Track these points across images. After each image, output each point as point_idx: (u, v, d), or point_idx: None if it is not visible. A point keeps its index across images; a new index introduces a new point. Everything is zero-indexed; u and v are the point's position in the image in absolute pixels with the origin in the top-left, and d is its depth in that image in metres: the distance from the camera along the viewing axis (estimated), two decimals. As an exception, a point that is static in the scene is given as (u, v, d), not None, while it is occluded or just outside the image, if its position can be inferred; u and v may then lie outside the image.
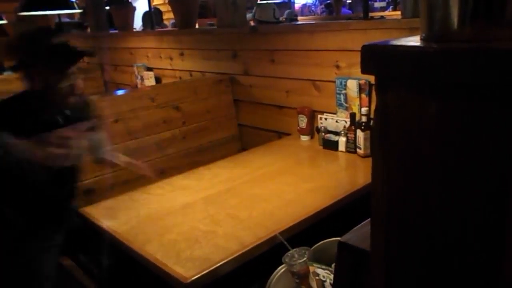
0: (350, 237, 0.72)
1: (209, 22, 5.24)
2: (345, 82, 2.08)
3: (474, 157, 0.48)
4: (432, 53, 0.49)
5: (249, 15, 4.00)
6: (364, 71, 0.56)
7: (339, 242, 0.71)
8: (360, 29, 1.99)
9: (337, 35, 2.09)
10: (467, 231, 0.50)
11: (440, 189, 0.52)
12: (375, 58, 0.54)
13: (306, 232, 1.46)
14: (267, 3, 3.70)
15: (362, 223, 0.76)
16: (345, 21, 2.22)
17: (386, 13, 5.98)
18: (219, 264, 1.23)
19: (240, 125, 2.75)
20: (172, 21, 5.28)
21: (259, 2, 5.47)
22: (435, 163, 0.51)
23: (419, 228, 0.55)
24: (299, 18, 6.83)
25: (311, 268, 1.23)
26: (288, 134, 2.44)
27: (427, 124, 0.51)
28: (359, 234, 0.72)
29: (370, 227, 0.62)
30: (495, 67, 0.43)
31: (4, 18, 3.97)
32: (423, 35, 0.54)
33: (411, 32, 1.77)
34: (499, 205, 0.47)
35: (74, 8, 2.65)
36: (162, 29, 3.75)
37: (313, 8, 9.38)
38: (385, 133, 0.56)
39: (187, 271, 1.20)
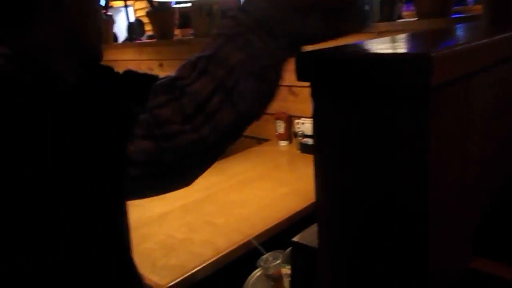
0: (303, 236, 0.75)
1: (191, 32, 5.28)
2: (319, 86, 2.12)
3: (398, 155, 0.51)
4: (356, 61, 0.53)
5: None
6: (299, 78, 0.59)
7: (292, 242, 0.74)
8: (330, 34, 2.03)
9: (309, 41, 2.13)
10: (398, 222, 0.54)
11: (371, 184, 0.55)
12: (307, 66, 0.58)
13: (283, 235, 1.49)
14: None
15: (313, 224, 0.79)
16: (317, 27, 2.27)
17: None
18: (194, 271, 1.26)
19: (220, 133, 2.77)
20: (146, 35, 5.31)
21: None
22: (365, 162, 0.55)
23: (356, 222, 0.58)
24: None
25: (283, 270, 1.26)
26: (267, 140, 2.48)
27: (356, 128, 0.55)
28: (312, 233, 0.75)
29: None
30: (402, 73, 0.46)
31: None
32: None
33: (379, 35, 1.82)
34: (422, 194, 0.50)
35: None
36: (141, 41, 3.77)
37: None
38: (320, 137, 0.60)
39: (162, 278, 1.22)
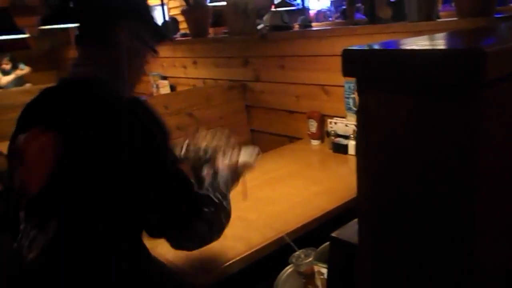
0: (342, 232, 0.75)
1: (224, 31, 5.33)
2: (354, 86, 2.10)
3: (445, 151, 0.51)
4: (406, 56, 0.53)
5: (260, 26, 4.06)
6: (345, 74, 0.60)
7: (331, 237, 0.74)
8: (366, 33, 2.01)
9: (344, 40, 2.12)
10: (442, 219, 0.53)
11: (416, 181, 0.55)
12: (354, 62, 0.58)
13: (315, 233, 1.49)
14: (276, 10, 3.77)
15: (355, 220, 0.79)
16: (351, 26, 2.25)
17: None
18: (227, 264, 1.27)
19: (252, 130, 2.80)
20: (179, 33, 5.38)
21: (272, 10, 5.54)
22: (411, 157, 0.55)
23: (399, 220, 0.58)
24: (313, 24, 6.85)
25: (316, 268, 1.26)
26: (299, 139, 2.48)
27: (403, 122, 0.55)
28: (351, 230, 0.76)
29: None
30: (454, 69, 0.46)
31: (27, 32, 4.13)
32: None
33: (417, 35, 1.79)
34: (469, 194, 0.50)
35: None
36: (175, 38, 3.84)
37: (328, 14, 9.41)
38: (366, 132, 0.60)
39: (196, 271, 1.25)
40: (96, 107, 0.91)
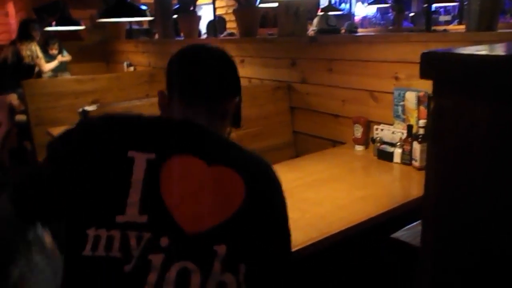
0: (401, 234, 0.75)
1: (269, 32, 5.37)
2: (404, 93, 2.08)
3: (526, 159, 0.51)
4: (489, 60, 0.53)
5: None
6: (422, 76, 0.60)
7: (390, 238, 0.75)
8: (421, 41, 1.98)
9: (397, 47, 2.10)
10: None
11: (490, 191, 0.55)
12: (433, 64, 0.59)
13: (356, 239, 1.48)
14: (323, 14, 3.78)
15: (415, 223, 0.79)
16: (406, 33, 2.23)
17: (450, 26, 5.82)
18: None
19: (295, 132, 2.81)
20: (226, 32, 5.47)
21: (318, 13, 5.54)
22: (486, 165, 0.55)
23: (468, 227, 0.58)
24: (359, 30, 6.80)
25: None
26: (343, 143, 2.47)
27: (480, 128, 0.55)
28: (410, 232, 0.76)
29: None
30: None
31: (82, 24, 4.32)
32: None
33: (475, 45, 1.75)
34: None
35: (147, 16, 2.84)
36: (224, 37, 3.90)
37: (373, 21, 9.29)
38: (439, 135, 0.60)
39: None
40: (264, 163, 1.09)
